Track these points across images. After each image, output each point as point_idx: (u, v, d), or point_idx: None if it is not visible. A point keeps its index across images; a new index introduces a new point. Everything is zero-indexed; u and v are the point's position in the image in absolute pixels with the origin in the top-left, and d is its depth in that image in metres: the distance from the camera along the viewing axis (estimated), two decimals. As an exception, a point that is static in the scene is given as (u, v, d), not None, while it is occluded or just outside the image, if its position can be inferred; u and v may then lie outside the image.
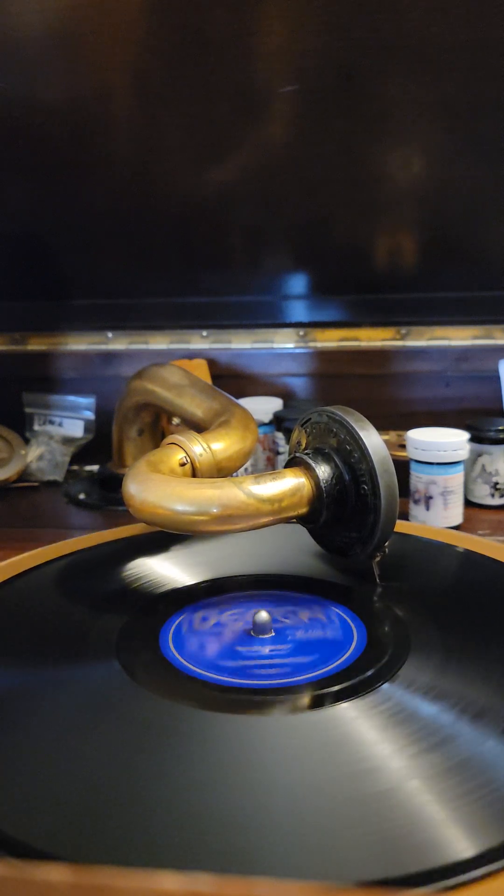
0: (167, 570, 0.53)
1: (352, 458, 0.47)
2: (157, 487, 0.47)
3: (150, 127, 0.85)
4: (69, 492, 0.84)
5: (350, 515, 0.48)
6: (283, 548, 0.56)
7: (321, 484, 0.47)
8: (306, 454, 0.49)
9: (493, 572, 0.51)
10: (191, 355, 0.97)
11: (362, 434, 0.47)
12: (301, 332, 0.98)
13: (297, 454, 0.49)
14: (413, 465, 0.70)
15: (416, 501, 0.70)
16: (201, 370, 0.92)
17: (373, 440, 0.46)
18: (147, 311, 1.00)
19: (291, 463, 0.50)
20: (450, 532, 0.60)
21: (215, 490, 0.45)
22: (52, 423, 0.98)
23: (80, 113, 0.84)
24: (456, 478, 0.69)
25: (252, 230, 0.95)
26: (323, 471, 0.48)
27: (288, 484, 0.47)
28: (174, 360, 0.92)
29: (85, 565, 0.55)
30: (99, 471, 0.86)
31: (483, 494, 0.76)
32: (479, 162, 0.84)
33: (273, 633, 0.44)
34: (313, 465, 0.48)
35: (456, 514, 0.70)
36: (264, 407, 0.85)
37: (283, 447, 0.84)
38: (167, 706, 0.37)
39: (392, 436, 0.85)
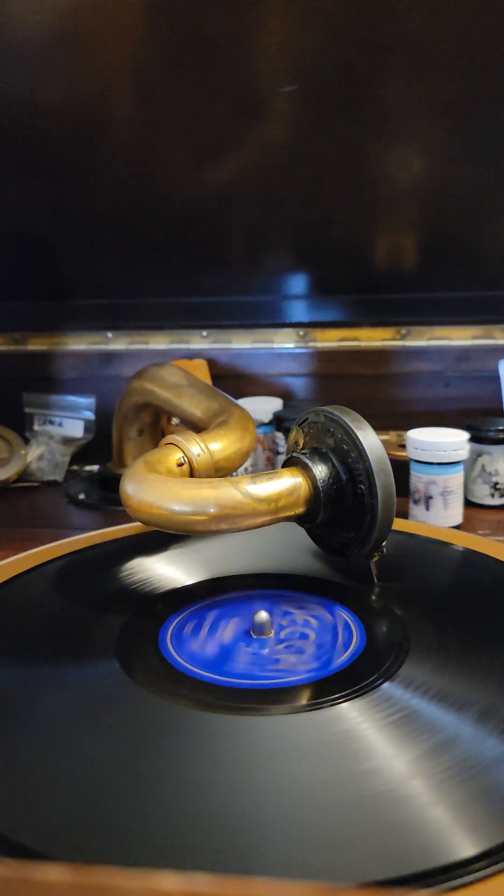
0: (166, 570, 0.53)
1: (349, 458, 0.47)
2: (153, 487, 0.47)
3: (150, 127, 0.85)
4: (69, 492, 0.84)
5: (347, 515, 0.48)
6: (281, 547, 0.56)
7: (318, 484, 0.47)
8: (303, 454, 0.49)
9: (492, 571, 0.51)
10: (191, 355, 0.97)
11: (359, 434, 0.47)
12: (301, 332, 0.98)
13: (294, 454, 0.49)
14: (413, 465, 0.70)
15: (416, 501, 0.70)
16: (201, 370, 0.92)
17: (370, 440, 0.46)
18: (147, 311, 1.00)
19: (289, 463, 0.50)
20: (449, 531, 0.60)
21: (212, 490, 0.45)
22: (52, 423, 0.98)
23: (80, 113, 0.84)
24: (456, 478, 0.69)
25: (252, 230, 0.95)
26: (320, 471, 0.48)
27: (285, 484, 0.47)
28: (174, 360, 0.92)
29: (85, 565, 0.55)
30: (99, 471, 0.86)
31: (483, 494, 0.76)
32: (479, 162, 0.84)
33: (272, 633, 0.44)
34: (310, 464, 0.48)
35: (456, 514, 0.70)
36: (264, 407, 0.85)
37: (283, 447, 0.84)
38: (166, 706, 0.37)
39: (392, 436, 0.85)
